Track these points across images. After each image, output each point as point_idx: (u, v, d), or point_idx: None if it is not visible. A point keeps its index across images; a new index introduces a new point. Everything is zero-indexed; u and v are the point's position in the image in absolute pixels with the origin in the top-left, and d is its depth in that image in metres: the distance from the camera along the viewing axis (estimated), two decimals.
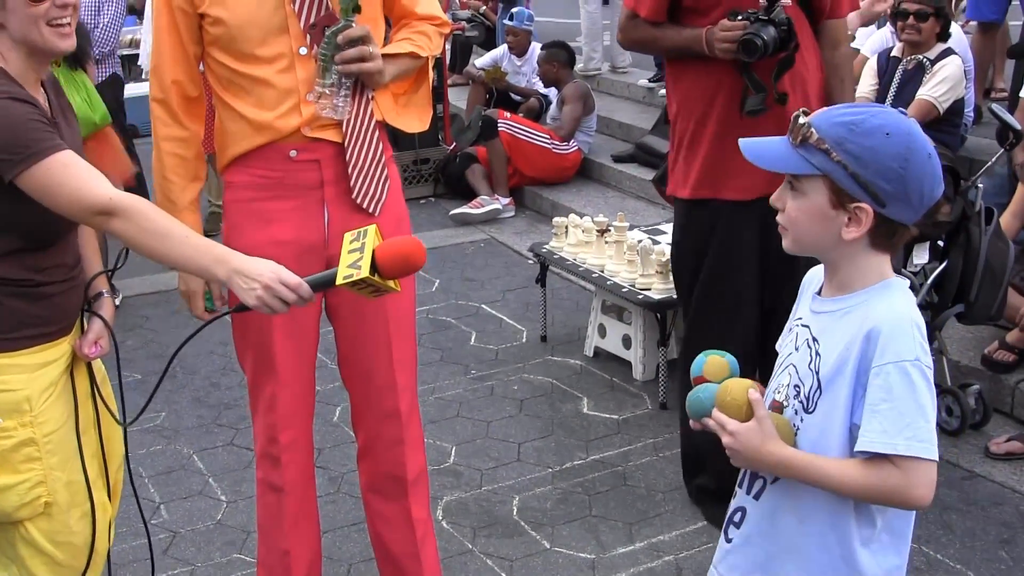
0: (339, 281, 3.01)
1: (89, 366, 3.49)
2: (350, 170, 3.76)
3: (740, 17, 4.42)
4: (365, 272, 2.98)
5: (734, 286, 4.82)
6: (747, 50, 4.38)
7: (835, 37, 4.82)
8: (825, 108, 2.61)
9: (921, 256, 5.45)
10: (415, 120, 4.05)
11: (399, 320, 3.97)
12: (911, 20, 6.93)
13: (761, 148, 2.66)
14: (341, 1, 3.58)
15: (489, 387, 6.60)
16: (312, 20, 3.62)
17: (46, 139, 3.07)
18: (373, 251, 3.02)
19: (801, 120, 2.52)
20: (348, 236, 3.10)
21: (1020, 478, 5.36)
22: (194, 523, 5.23)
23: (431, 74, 4.10)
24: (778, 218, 2.64)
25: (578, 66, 12.86)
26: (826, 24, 4.77)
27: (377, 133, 3.83)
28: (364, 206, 3.79)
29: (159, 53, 3.76)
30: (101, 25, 9.34)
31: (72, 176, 3.07)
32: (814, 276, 2.78)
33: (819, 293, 2.71)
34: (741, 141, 2.70)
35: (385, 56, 3.74)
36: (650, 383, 6.47)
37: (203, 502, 5.40)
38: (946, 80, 6.84)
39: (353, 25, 3.58)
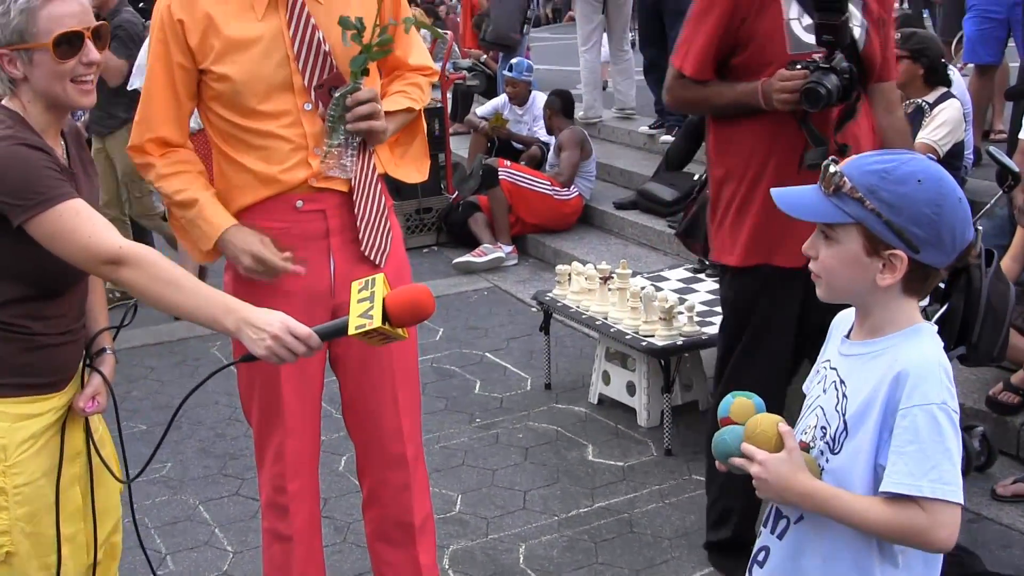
0: (351, 331, 3.03)
1: (87, 424, 3.49)
2: (358, 222, 3.79)
3: (800, 66, 4.21)
4: (378, 322, 3.00)
5: (772, 350, 4.67)
6: (810, 99, 4.15)
7: (889, 99, 4.64)
8: (854, 156, 2.64)
9: (923, 299, 5.45)
10: (413, 171, 4.08)
11: (403, 367, 3.99)
12: None
13: (794, 198, 2.69)
14: (351, 64, 3.61)
15: (494, 435, 6.60)
16: (316, 79, 3.65)
17: (58, 187, 3.09)
18: (384, 300, 3.04)
19: (833, 169, 2.56)
20: (356, 285, 3.13)
21: None
22: (200, 574, 5.22)
23: (424, 124, 4.12)
24: (811, 266, 2.68)
25: (579, 114, 12.90)
26: (878, 87, 4.57)
27: (379, 185, 3.86)
28: (371, 258, 3.82)
29: (149, 106, 3.77)
30: None
31: (82, 224, 3.08)
32: (842, 319, 2.82)
33: (847, 336, 2.74)
34: (773, 191, 2.74)
35: (385, 114, 3.77)
36: (655, 430, 6.46)
37: (209, 552, 5.40)
38: (946, 123, 6.87)
39: (361, 87, 3.62)
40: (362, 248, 3.81)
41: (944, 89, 7.05)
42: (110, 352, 3.57)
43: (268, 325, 3.05)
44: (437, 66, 4.19)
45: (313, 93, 3.66)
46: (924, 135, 6.85)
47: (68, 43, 3.16)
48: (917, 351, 2.55)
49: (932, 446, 2.45)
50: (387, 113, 3.79)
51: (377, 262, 3.83)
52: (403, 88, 3.94)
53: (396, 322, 3.06)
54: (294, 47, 3.63)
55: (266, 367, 3.54)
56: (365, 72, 3.64)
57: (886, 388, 2.53)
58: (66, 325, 3.36)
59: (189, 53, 3.66)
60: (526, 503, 5.76)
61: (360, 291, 3.10)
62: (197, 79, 3.72)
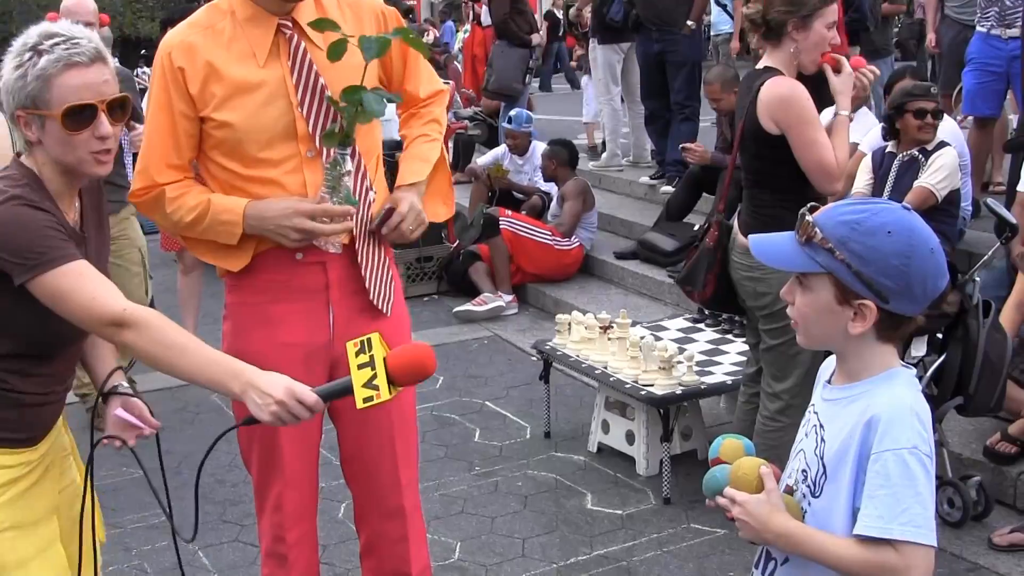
0: (360, 405, 3.04)
1: (87, 479, 3.47)
2: (363, 272, 3.79)
3: None
4: (386, 395, 3.02)
5: None
6: None
7: None
8: (830, 205, 2.67)
9: (919, 348, 5.48)
10: (439, 205, 4.07)
11: (402, 419, 4.00)
12: (929, 119, 6.95)
13: (769, 246, 2.73)
14: (324, 140, 3.62)
15: (493, 483, 6.60)
16: (320, 125, 3.66)
17: (61, 247, 3.08)
18: (385, 364, 3.05)
19: (807, 218, 2.59)
20: (351, 348, 3.11)
21: None
22: None
23: (448, 157, 4.10)
24: (788, 312, 2.72)
25: (598, 162, 12.98)
26: None
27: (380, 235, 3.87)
28: (379, 306, 3.82)
29: (151, 155, 3.74)
30: None
31: (85, 286, 3.08)
32: (829, 364, 2.85)
33: (829, 381, 2.77)
34: (751, 237, 2.78)
35: (420, 183, 3.83)
36: (653, 478, 6.47)
37: None
38: (942, 168, 6.88)
39: (347, 158, 3.62)
40: (370, 298, 3.81)
41: (939, 138, 7.09)
42: (127, 387, 3.55)
43: (273, 391, 3.05)
44: (445, 85, 4.20)
45: (318, 141, 3.68)
46: (922, 180, 6.87)
47: (79, 116, 3.14)
48: (890, 396, 2.58)
49: (903, 490, 2.48)
50: (424, 161, 3.86)
51: (384, 310, 3.85)
52: (424, 131, 3.96)
53: (399, 383, 3.08)
54: (297, 94, 3.64)
55: None
56: (344, 143, 3.60)
57: (860, 433, 2.56)
58: (50, 386, 3.36)
59: (190, 101, 3.65)
60: (525, 551, 5.77)
61: (358, 354, 3.08)
62: (199, 128, 3.71)
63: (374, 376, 3.04)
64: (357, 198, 3.71)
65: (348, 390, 3.08)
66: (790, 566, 2.71)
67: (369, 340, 3.10)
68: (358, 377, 3.06)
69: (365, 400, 3.03)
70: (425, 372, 3.12)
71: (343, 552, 5.73)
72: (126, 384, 3.57)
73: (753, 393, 5.75)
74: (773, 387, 5.40)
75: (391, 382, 3.05)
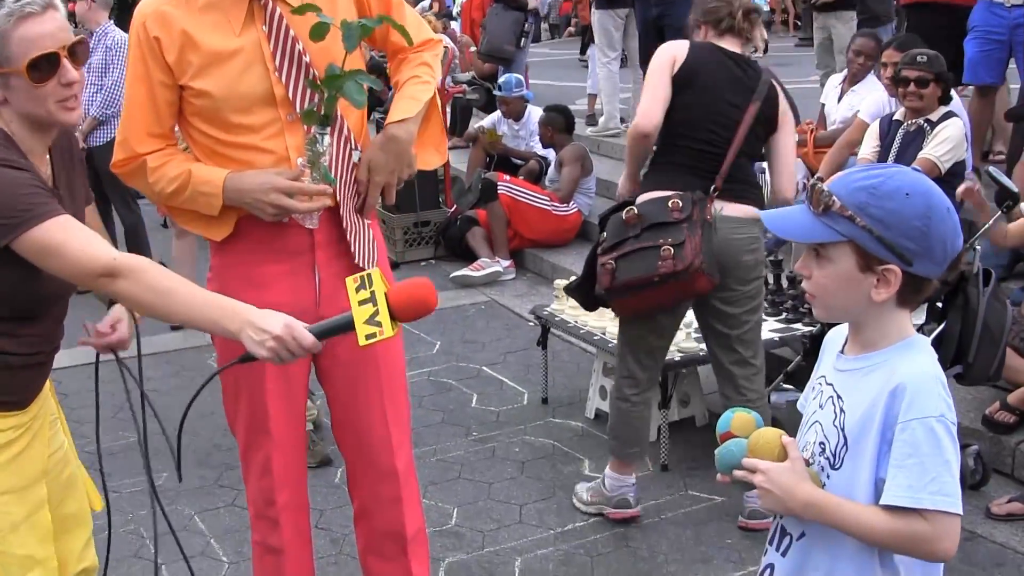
0: (363, 343, 3.00)
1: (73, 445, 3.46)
2: (348, 236, 3.77)
3: None
4: (389, 332, 2.97)
5: None
6: None
7: None
8: (839, 174, 2.64)
9: (919, 317, 5.46)
10: (432, 153, 4.03)
11: (392, 379, 3.98)
12: (912, 87, 6.93)
13: (784, 220, 2.70)
14: (303, 118, 3.59)
15: (490, 449, 6.60)
16: (300, 91, 3.63)
17: (44, 203, 3.06)
18: (387, 300, 3.03)
19: (820, 187, 2.56)
20: (351, 283, 3.07)
21: (1021, 539, 5.35)
22: None
23: (439, 102, 4.05)
24: (804, 285, 2.68)
25: (596, 128, 12.90)
26: None
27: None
28: (363, 266, 3.79)
29: (130, 126, 3.71)
30: (105, 87, 9.40)
31: (72, 239, 3.05)
32: (837, 334, 2.82)
33: (842, 351, 2.75)
34: (763, 214, 2.76)
35: (409, 120, 3.76)
36: (651, 445, 6.42)
37: (204, 563, 5.38)
38: (948, 140, 6.85)
39: (326, 135, 3.61)
40: (356, 261, 3.79)
41: (946, 108, 7.06)
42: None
43: (271, 328, 3.01)
44: (437, 36, 4.14)
45: (298, 105, 3.63)
46: (926, 151, 6.84)
47: (43, 66, 3.12)
48: (913, 364, 2.56)
49: (931, 459, 2.46)
50: (414, 99, 3.79)
51: (368, 267, 3.83)
52: (414, 73, 3.89)
53: (401, 319, 3.06)
54: (275, 59, 3.60)
55: (252, 380, 3.55)
56: (323, 122, 3.58)
57: (884, 402, 2.53)
58: (37, 346, 3.34)
59: (168, 70, 3.62)
60: (522, 517, 5.77)
61: (358, 290, 3.04)
62: (179, 95, 3.68)
63: (376, 312, 3.00)
64: (339, 161, 3.69)
65: (348, 327, 3.04)
66: (806, 541, 2.69)
67: (369, 276, 3.06)
68: (359, 314, 3.01)
69: (368, 337, 2.99)
70: (427, 308, 3.09)
71: (340, 517, 5.72)
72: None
73: (636, 394, 5.57)
74: (756, 363, 5.43)
75: (393, 318, 3.02)
